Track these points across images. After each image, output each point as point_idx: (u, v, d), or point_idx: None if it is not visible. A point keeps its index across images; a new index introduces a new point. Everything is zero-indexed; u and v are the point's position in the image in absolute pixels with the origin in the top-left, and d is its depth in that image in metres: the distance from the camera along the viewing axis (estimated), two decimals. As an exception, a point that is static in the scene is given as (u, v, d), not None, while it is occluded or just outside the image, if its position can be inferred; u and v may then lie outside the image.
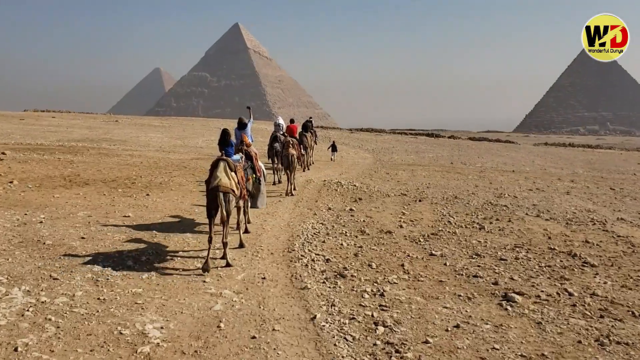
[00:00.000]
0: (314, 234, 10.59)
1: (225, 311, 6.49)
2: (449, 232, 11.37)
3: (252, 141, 11.92)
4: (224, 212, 8.15)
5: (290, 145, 15.97)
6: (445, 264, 8.87)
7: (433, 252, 9.58)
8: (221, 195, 8.14)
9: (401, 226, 11.78)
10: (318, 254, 9.05)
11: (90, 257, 8.28)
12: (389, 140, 49.17)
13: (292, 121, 20.65)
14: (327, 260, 8.77)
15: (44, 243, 8.95)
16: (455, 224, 12.34)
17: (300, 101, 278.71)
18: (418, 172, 23.33)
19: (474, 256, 9.43)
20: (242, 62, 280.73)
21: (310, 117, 27.75)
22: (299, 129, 22.21)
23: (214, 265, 8.30)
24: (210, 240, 8.23)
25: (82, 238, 9.39)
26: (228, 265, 8.32)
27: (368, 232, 11.03)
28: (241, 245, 9.39)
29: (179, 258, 8.60)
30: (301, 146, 19.04)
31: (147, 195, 14.07)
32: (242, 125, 11.91)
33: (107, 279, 7.40)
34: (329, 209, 13.47)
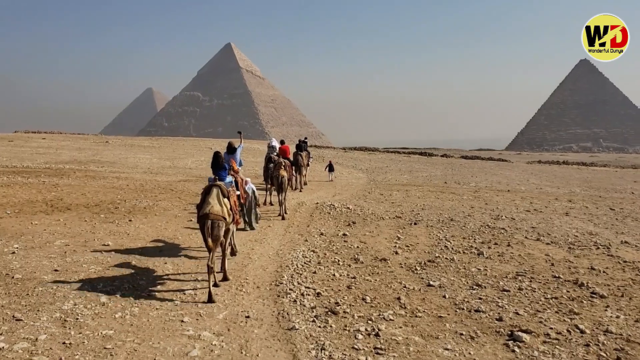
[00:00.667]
0: (305, 263, 9.96)
1: (203, 357, 5.84)
2: (446, 258, 10.78)
3: (240, 166, 11.63)
4: (210, 240, 7.95)
5: (282, 167, 15.64)
6: (444, 297, 8.25)
7: (431, 282, 8.97)
8: (209, 223, 7.97)
9: (396, 252, 11.18)
10: (308, 287, 8.42)
11: (61, 293, 7.63)
12: (383, 160, 48.70)
13: (282, 142, 20.23)
14: (318, 294, 8.13)
15: (13, 277, 8.30)
16: (452, 249, 11.77)
17: (294, 120, 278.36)
18: (412, 192, 22.79)
19: (474, 287, 8.83)
20: (234, 81, 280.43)
21: (305, 138, 27.72)
22: (292, 149, 21.96)
23: (194, 300, 7.69)
24: (210, 270, 7.98)
25: (55, 270, 8.75)
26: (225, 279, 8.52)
27: (362, 260, 10.42)
28: (225, 278, 8.74)
29: (157, 293, 7.95)
30: (294, 167, 18.85)
31: (130, 221, 13.44)
32: (231, 150, 11.51)
33: (77, 318, 6.75)
34: (321, 234, 12.87)
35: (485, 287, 8.82)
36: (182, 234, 12.25)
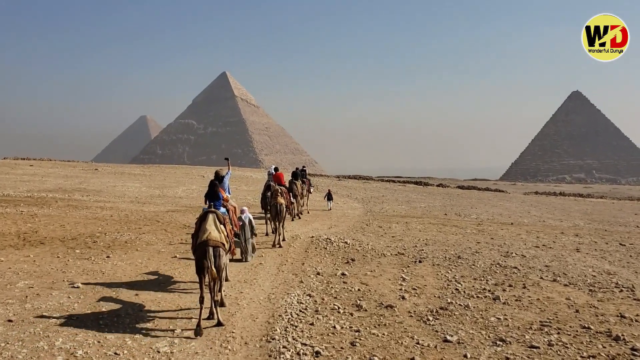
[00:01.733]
0: (301, 311, 8.70)
1: None
2: (460, 305, 9.57)
3: (229, 194, 11.25)
4: (214, 268, 7.63)
5: (279, 194, 15.38)
6: (465, 356, 7.02)
7: (447, 336, 7.74)
8: (211, 250, 7.70)
9: (403, 297, 9.96)
10: (305, 344, 7.15)
11: (9, 353, 6.38)
12: (378, 189, 47.63)
13: (276, 169, 19.62)
14: (317, 353, 6.87)
15: (-44, 330, 7.05)
16: (464, 292, 10.58)
17: (288, 148, 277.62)
18: (412, 225, 21.64)
19: (498, 342, 7.62)
20: (229, 109, 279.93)
21: (304, 166, 27.72)
22: (288, 177, 21.63)
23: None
24: (202, 301, 7.63)
25: (9, 321, 7.50)
26: (219, 324, 7.80)
27: (365, 306, 9.19)
28: (219, 324, 7.85)
29: (126, 351, 6.70)
30: (290, 194, 18.50)
31: (108, 257, 12.22)
32: (219, 179, 10.70)
33: (22, 388, 5.52)
34: (318, 273, 11.65)
35: (510, 343, 7.60)
36: (164, 273, 11.04)
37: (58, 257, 12.01)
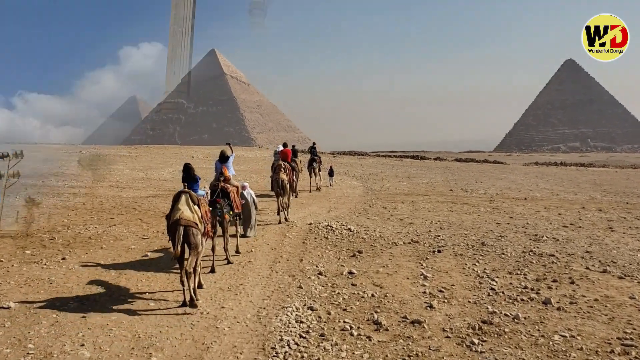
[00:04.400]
0: (302, 336, 6.46)
1: None
2: (506, 315, 7.40)
3: (233, 174, 11.25)
4: (178, 248, 7.40)
5: (281, 170, 15.20)
6: (543, 411, 4.90)
7: (508, 374, 5.58)
8: (182, 229, 7.49)
9: (431, 305, 7.79)
10: (310, 402, 4.99)
11: None
12: (375, 164, 45.42)
13: (285, 145, 19.32)
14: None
15: None
16: (504, 294, 8.45)
17: (280, 125, 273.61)
18: (420, 204, 19.50)
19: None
20: (219, 87, 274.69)
21: (314, 143, 27.48)
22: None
23: None
24: (183, 283, 7.60)
25: None
26: (199, 286, 8.17)
27: (385, 322, 7.00)
28: (192, 304, 7.50)
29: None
30: (294, 172, 17.99)
31: (63, 259, 10.00)
32: (224, 158, 11.06)
33: None
34: (320, 273, 9.46)
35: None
36: (129, 280, 8.83)
37: (1, 260, 9.80)
